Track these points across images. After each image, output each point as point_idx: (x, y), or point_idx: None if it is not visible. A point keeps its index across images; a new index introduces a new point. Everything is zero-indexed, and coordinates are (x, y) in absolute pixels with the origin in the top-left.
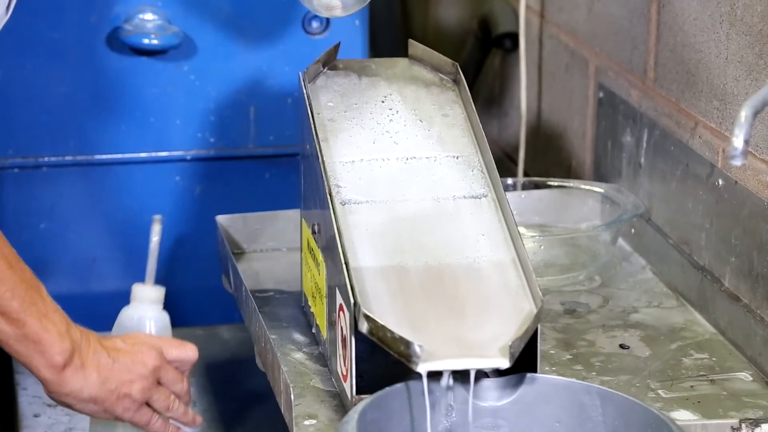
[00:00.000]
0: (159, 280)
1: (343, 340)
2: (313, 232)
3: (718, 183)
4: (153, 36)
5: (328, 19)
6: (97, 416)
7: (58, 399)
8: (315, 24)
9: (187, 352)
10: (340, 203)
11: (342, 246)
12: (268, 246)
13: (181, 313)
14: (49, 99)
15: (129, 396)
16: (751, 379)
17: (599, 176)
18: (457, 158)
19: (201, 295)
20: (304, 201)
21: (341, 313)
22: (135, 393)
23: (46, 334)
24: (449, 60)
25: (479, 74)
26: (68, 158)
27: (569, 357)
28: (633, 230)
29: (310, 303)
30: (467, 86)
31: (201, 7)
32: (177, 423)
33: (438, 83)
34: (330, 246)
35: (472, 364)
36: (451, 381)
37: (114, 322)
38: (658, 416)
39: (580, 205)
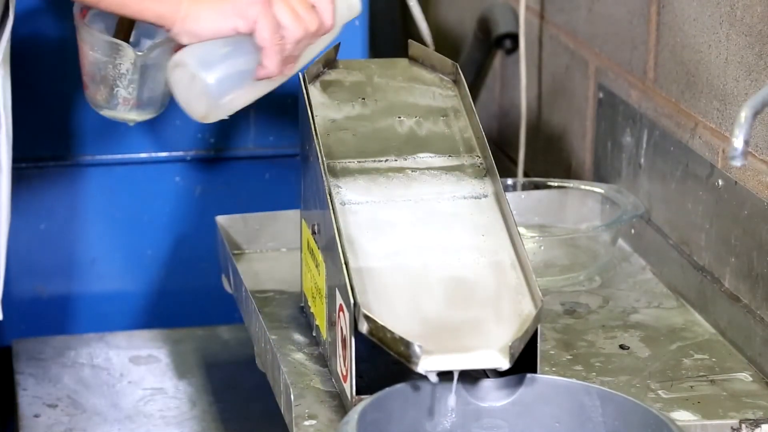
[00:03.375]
0: (159, 281)
1: (343, 340)
2: (313, 233)
3: (718, 183)
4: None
5: None
6: (222, 29)
7: (182, 28)
8: None
9: None
10: (340, 203)
11: (342, 246)
12: (268, 246)
13: (181, 313)
14: (49, 99)
15: None
16: (751, 379)
17: (599, 177)
18: (457, 158)
19: (201, 295)
20: (304, 201)
21: (341, 313)
22: None
23: None
24: (449, 60)
25: (479, 74)
26: (68, 158)
27: (569, 357)
28: (633, 231)
29: (310, 303)
30: (467, 86)
31: None
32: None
33: (438, 83)
34: (330, 246)
35: (472, 364)
36: (454, 381)
37: (113, 323)
38: (658, 417)
39: (580, 205)
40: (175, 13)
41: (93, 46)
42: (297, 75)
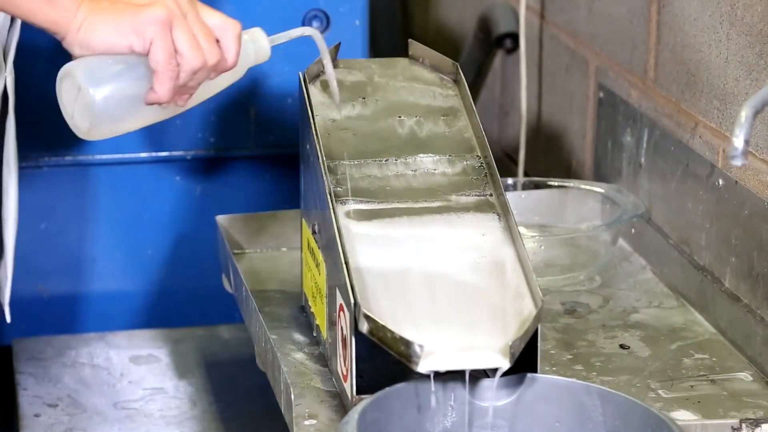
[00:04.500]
0: (159, 280)
1: (344, 340)
2: (313, 232)
3: (719, 183)
4: None
5: (328, 19)
6: (116, 45)
7: (74, 38)
8: (315, 24)
9: (228, 20)
10: (340, 203)
11: (342, 246)
12: (268, 246)
13: (181, 313)
14: (49, 99)
15: (155, 7)
16: (751, 379)
17: (599, 176)
18: (458, 158)
19: (201, 295)
20: (304, 201)
21: (341, 313)
22: (158, 10)
23: None
24: (449, 60)
25: (479, 74)
26: (68, 158)
27: (569, 357)
28: (633, 230)
29: (310, 303)
30: (467, 86)
31: None
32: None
33: (438, 83)
34: (330, 246)
35: (472, 364)
36: (454, 381)
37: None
38: (659, 416)
39: (580, 205)
40: (70, 21)
41: None
42: (297, 74)
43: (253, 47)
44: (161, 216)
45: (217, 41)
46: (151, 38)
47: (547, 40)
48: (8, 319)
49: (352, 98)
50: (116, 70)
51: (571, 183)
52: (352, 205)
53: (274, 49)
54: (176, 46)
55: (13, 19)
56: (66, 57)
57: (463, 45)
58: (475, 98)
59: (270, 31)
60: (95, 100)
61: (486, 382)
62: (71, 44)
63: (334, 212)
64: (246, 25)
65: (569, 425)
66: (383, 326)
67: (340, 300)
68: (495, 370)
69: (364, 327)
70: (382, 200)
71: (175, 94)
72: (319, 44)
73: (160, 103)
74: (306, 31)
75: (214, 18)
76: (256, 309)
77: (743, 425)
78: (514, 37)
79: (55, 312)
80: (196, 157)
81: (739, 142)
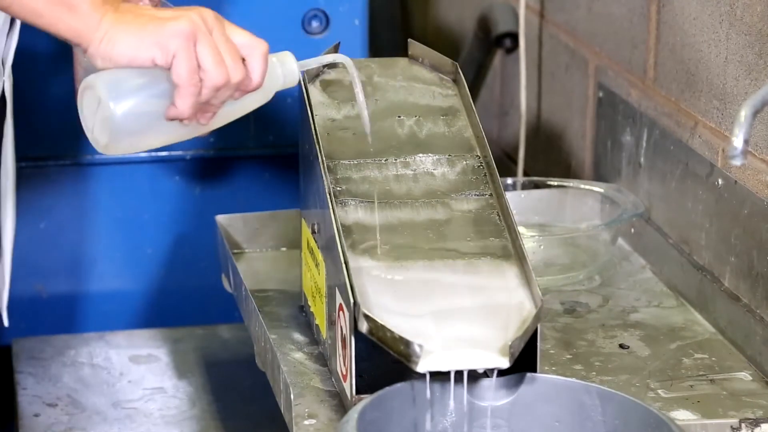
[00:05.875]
0: (159, 280)
1: (343, 339)
2: (313, 232)
3: (718, 183)
4: None
5: (328, 19)
6: (138, 57)
7: (97, 49)
8: (315, 24)
9: (256, 39)
10: (340, 203)
11: (342, 245)
12: (268, 246)
13: (181, 313)
14: (49, 99)
15: (179, 20)
16: (750, 378)
17: (599, 176)
18: (457, 158)
19: (201, 295)
20: (304, 201)
21: (341, 312)
22: (182, 23)
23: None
24: (449, 60)
25: (479, 74)
26: (68, 158)
27: (569, 357)
28: (633, 230)
29: (309, 303)
30: (467, 86)
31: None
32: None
33: (438, 83)
34: (330, 246)
35: (471, 363)
36: (452, 381)
37: (113, 322)
38: (658, 416)
39: (580, 204)
40: (93, 32)
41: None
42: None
43: (281, 70)
44: (161, 216)
45: (243, 60)
46: (174, 51)
47: (546, 39)
48: (6, 322)
49: (351, 98)
50: (138, 84)
51: (570, 183)
52: (352, 205)
53: (274, 48)
54: (199, 61)
55: (12, 23)
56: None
57: (462, 45)
58: (474, 98)
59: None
60: (115, 114)
61: (485, 382)
62: (93, 56)
63: (334, 212)
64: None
65: (569, 425)
66: (383, 326)
67: (339, 300)
68: (494, 370)
69: (363, 327)
70: (382, 200)
71: (197, 111)
72: (351, 72)
73: (180, 119)
74: (338, 57)
75: (241, 36)
76: (256, 309)
77: (743, 425)
78: (514, 36)
79: (55, 312)
80: (195, 157)
81: (738, 141)
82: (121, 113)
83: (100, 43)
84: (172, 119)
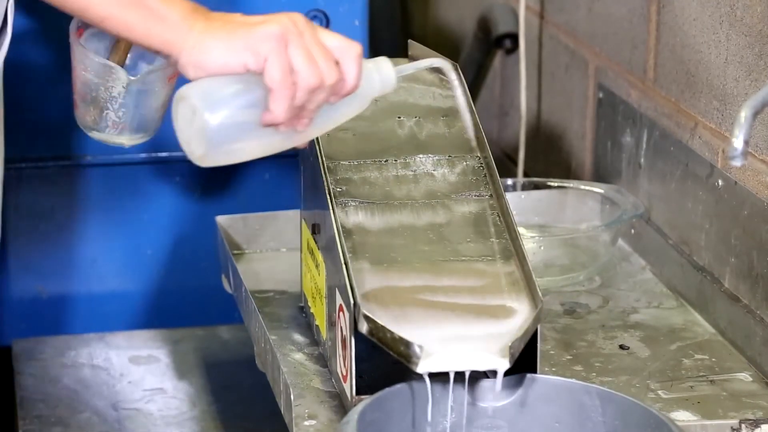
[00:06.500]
0: (159, 281)
1: (343, 340)
2: (313, 232)
3: (718, 183)
4: None
5: (327, 19)
6: (230, 63)
7: (189, 58)
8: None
9: (349, 42)
10: (340, 204)
11: (342, 246)
12: (268, 246)
13: (181, 313)
14: (49, 99)
15: (269, 24)
16: (750, 379)
17: (599, 177)
18: (457, 158)
19: (201, 295)
20: (304, 201)
21: (341, 313)
22: (273, 26)
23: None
24: (449, 60)
25: (479, 74)
26: (68, 158)
27: (569, 357)
28: (633, 231)
29: (309, 303)
30: (467, 86)
31: None
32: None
33: (438, 83)
34: (330, 246)
35: (471, 364)
36: (451, 381)
37: (113, 323)
38: (658, 417)
39: (580, 205)
40: (184, 41)
41: (86, 66)
42: None
43: (378, 76)
44: (161, 216)
45: (337, 63)
46: (266, 55)
47: (546, 40)
48: None
49: None
50: (231, 92)
51: (570, 183)
52: (352, 205)
53: None
54: (292, 64)
55: (3, 25)
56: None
57: (462, 45)
58: (474, 98)
59: None
60: (210, 124)
61: (486, 383)
62: (185, 66)
63: (334, 212)
64: None
65: (569, 426)
66: (383, 327)
67: (339, 300)
68: (495, 371)
69: (363, 327)
70: (382, 200)
71: (293, 116)
72: (449, 76)
73: (276, 125)
74: (435, 62)
75: (334, 39)
76: (256, 309)
77: (743, 426)
78: (514, 37)
79: (55, 312)
80: None
81: (738, 142)
82: (217, 123)
83: (191, 52)
84: (268, 125)
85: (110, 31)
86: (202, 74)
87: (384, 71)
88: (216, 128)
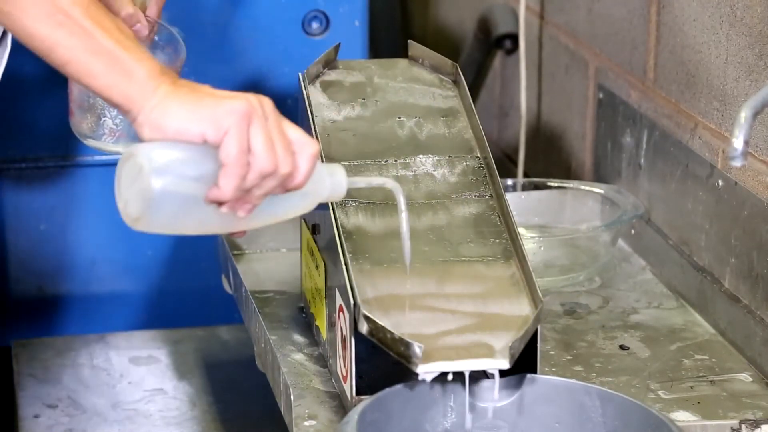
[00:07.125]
0: (159, 281)
1: (343, 341)
2: (314, 233)
3: (718, 184)
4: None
5: (328, 20)
6: (189, 130)
7: (147, 117)
8: (315, 25)
9: (308, 138)
10: (340, 204)
11: (342, 246)
12: (268, 246)
13: (181, 313)
14: (49, 99)
15: (237, 100)
16: (751, 379)
17: (599, 177)
18: (457, 159)
19: (201, 295)
20: None
21: (341, 314)
22: (240, 103)
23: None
24: (449, 60)
25: (479, 74)
26: (68, 158)
27: (569, 358)
28: (633, 231)
29: (309, 304)
30: (467, 86)
31: (201, 8)
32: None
33: (438, 84)
34: (330, 246)
35: (471, 365)
36: (454, 382)
37: (113, 323)
38: (658, 417)
39: (580, 205)
40: (146, 100)
41: None
42: (297, 75)
43: (330, 181)
44: None
45: (293, 153)
46: (226, 129)
47: (546, 40)
48: None
49: (351, 99)
50: (182, 159)
51: (570, 184)
52: (352, 206)
53: (274, 49)
54: (251, 144)
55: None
56: None
57: (462, 45)
58: (474, 98)
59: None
60: (153, 187)
61: (486, 383)
62: (142, 124)
63: (334, 212)
64: (246, 26)
65: (569, 426)
66: (383, 327)
67: (339, 301)
68: (495, 371)
69: (363, 328)
70: (382, 201)
71: (239, 199)
72: (398, 199)
73: (220, 203)
74: (387, 183)
75: (295, 133)
76: (256, 310)
77: (743, 426)
78: (514, 37)
79: (55, 313)
80: None
81: (738, 142)
82: (160, 187)
83: (152, 111)
84: (212, 201)
85: (72, 77)
86: (157, 136)
87: (336, 177)
88: (158, 193)
